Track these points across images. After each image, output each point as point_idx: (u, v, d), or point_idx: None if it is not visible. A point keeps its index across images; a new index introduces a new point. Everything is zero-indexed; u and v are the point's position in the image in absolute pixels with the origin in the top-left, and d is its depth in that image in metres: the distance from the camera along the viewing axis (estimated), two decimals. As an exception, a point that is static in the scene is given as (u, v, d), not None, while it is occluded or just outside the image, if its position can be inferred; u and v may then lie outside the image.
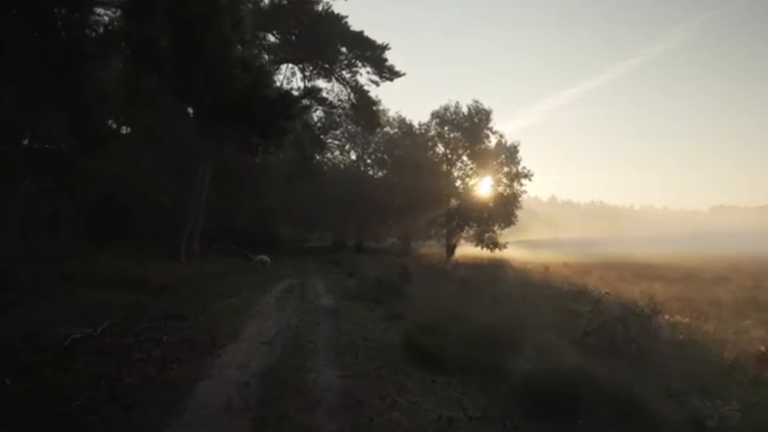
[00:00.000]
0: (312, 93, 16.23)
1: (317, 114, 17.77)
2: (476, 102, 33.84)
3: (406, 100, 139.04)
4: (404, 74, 16.81)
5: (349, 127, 38.08)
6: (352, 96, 17.44)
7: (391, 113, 36.12)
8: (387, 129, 37.64)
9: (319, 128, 17.38)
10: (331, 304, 9.76)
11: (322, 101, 17.10)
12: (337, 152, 39.58)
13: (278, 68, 19.47)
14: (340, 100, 17.45)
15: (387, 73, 16.73)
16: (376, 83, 16.94)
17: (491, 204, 33.81)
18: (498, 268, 21.20)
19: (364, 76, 16.98)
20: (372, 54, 16.33)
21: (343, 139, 39.16)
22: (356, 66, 16.84)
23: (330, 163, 36.56)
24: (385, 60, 16.56)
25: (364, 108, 17.33)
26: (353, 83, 17.07)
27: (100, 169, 28.16)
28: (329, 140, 37.69)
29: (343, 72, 17.17)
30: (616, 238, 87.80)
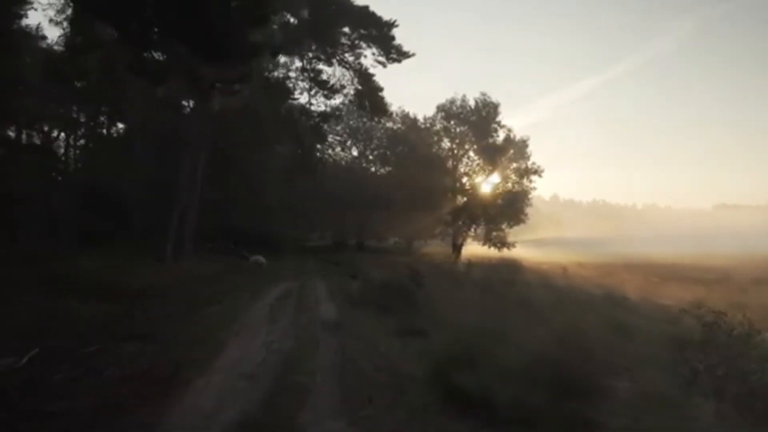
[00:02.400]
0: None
1: (317, 99, 16.12)
2: (483, 95, 32.24)
3: (403, 97, 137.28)
4: (413, 54, 15.24)
5: (351, 122, 36.68)
6: (356, 81, 15.86)
7: (394, 108, 34.46)
8: (390, 124, 36.18)
9: (319, 116, 15.79)
10: (333, 314, 8.23)
11: (323, 84, 15.49)
12: (338, 148, 38.18)
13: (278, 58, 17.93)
14: (342, 85, 15.88)
15: (395, 53, 15.07)
16: (383, 64, 15.34)
17: (499, 201, 32.22)
18: (512, 269, 19.64)
19: (369, 57, 15.41)
20: (378, 33, 14.67)
21: (345, 135, 37.72)
22: (360, 47, 15.27)
23: (331, 159, 35.13)
24: (393, 38, 14.92)
25: (369, 93, 15.73)
26: (357, 66, 15.48)
27: (93, 166, 27.19)
28: (330, 135, 36.39)
29: (346, 55, 15.60)
30: (622, 237, 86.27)
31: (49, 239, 21.12)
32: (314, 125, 15.65)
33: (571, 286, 14.03)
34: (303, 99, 17.11)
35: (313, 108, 15.81)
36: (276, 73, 16.19)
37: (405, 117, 35.39)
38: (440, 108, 33.59)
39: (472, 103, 32.40)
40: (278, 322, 7.25)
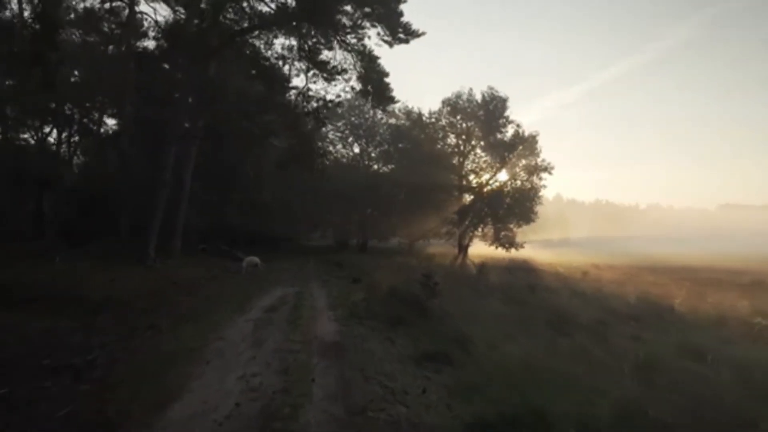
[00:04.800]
0: None
1: (316, 83, 14.55)
2: (491, 89, 30.71)
3: (404, 96, 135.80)
4: (423, 34, 13.63)
5: (352, 118, 35.21)
6: (358, 65, 14.35)
7: (396, 103, 32.90)
8: (393, 120, 34.72)
9: (318, 102, 14.29)
10: (334, 333, 6.76)
11: (322, 66, 13.95)
12: (339, 145, 36.77)
13: (273, 44, 16.53)
14: (343, 68, 14.35)
15: (402, 32, 13.51)
16: (389, 44, 13.68)
17: (508, 200, 30.70)
18: (529, 272, 18.21)
19: (374, 38, 13.85)
20: (384, 10, 13.17)
21: (346, 131, 36.31)
22: (364, 27, 13.74)
23: (332, 155, 33.67)
24: (401, 14, 13.36)
25: (374, 78, 14.21)
26: (360, 48, 13.95)
27: (83, 163, 25.99)
28: (331, 132, 34.95)
29: (348, 36, 14.08)
30: (628, 237, 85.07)
31: (35, 238, 20.07)
32: (313, 111, 14.14)
33: (599, 291, 12.54)
34: (300, 82, 15.64)
35: (311, 93, 14.28)
36: (270, 54, 14.68)
37: (409, 112, 33.90)
38: (446, 102, 32.11)
39: (479, 97, 30.92)
40: (264, 344, 5.78)
